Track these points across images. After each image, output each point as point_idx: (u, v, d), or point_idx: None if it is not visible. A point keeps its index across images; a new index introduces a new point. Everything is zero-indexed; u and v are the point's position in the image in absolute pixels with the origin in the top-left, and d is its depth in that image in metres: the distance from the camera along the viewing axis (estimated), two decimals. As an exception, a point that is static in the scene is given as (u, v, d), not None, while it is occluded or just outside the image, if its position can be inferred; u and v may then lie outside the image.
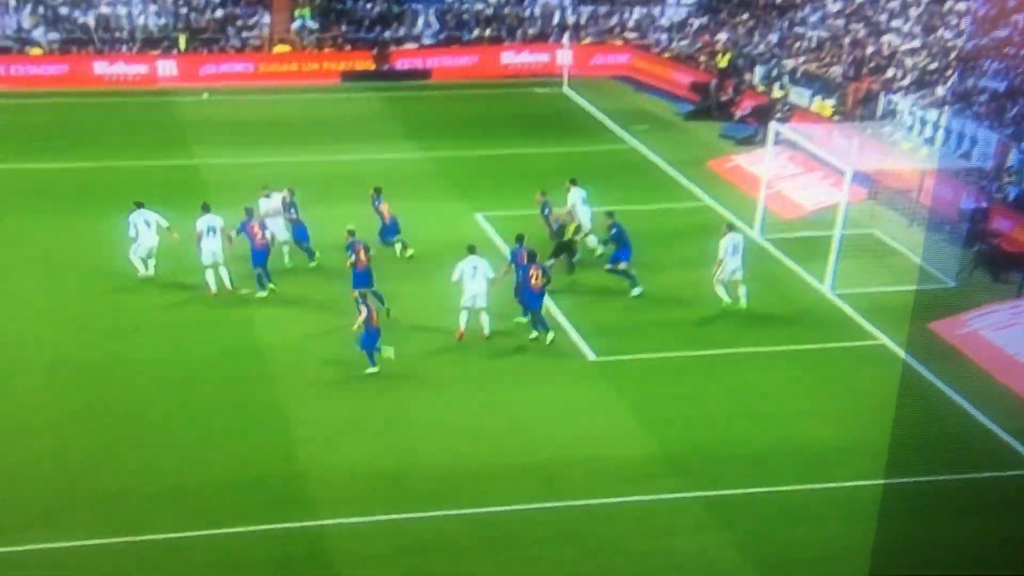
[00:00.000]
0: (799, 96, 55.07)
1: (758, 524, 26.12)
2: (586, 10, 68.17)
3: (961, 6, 54.17)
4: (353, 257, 34.43)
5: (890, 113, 49.81)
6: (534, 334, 33.85)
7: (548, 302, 35.31)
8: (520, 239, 34.96)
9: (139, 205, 36.64)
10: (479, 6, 67.68)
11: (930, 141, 46.93)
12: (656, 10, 68.16)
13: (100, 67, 61.24)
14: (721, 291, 35.68)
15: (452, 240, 37.51)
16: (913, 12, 55.96)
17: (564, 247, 37.81)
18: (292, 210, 37.75)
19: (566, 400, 30.99)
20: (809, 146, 42.55)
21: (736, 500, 26.90)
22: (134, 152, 49.62)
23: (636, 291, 36.90)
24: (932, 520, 26.22)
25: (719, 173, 48.36)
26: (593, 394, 31.38)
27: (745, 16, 64.08)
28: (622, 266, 37.13)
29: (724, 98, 57.83)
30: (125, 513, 25.99)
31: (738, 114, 56.36)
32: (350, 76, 63.29)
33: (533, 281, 33.55)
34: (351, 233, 35.21)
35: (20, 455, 28.13)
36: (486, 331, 33.58)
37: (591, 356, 33.25)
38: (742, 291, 35.81)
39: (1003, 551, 25.42)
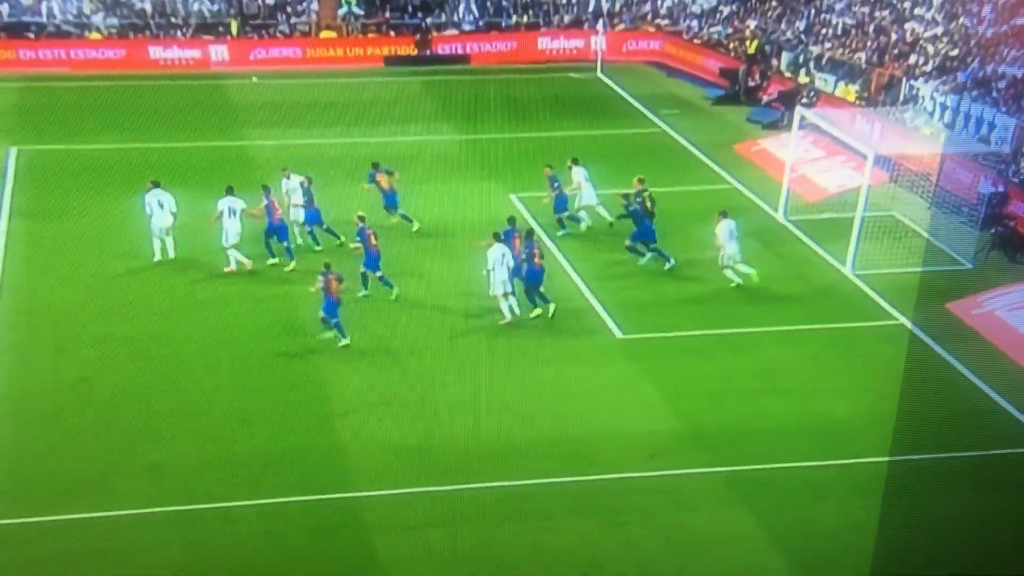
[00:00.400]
0: (824, 82, 54.67)
1: (778, 499, 25.84)
2: (619, -3, 67.74)
3: (982, -6, 53.54)
4: (363, 243, 34.37)
5: (912, 98, 49.35)
6: (536, 312, 33.49)
7: (577, 280, 35.20)
8: (512, 220, 34.62)
9: (155, 184, 36.33)
10: (517, -7, 67.31)
11: (950, 126, 46.43)
12: (687, -3, 67.70)
13: (155, 51, 61.13)
14: (731, 274, 35.37)
15: (486, 220, 37.17)
16: (936, 0, 55.31)
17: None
18: (306, 196, 37.38)
19: (593, 377, 30.70)
20: (833, 130, 42.19)
21: (757, 475, 26.59)
22: (186, 133, 49.46)
23: (668, 264, 36.69)
24: (945, 496, 25.92)
25: (746, 156, 47.94)
26: (619, 371, 31.07)
27: (773, 3, 63.50)
28: (639, 246, 36.99)
29: (752, 83, 57.34)
30: (170, 483, 25.88)
31: (765, 99, 55.94)
32: (393, 61, 62.98)
33: (536, 260, 33.23)
34: (361, 219, 34.96)
35: (70, 426, 28.06)
36: (509, 316, 33.20)
37: (618, 334, 32.93)
38: (746, 268, 35.45)
39: (1017, 527, 25.02)
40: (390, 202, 38.69)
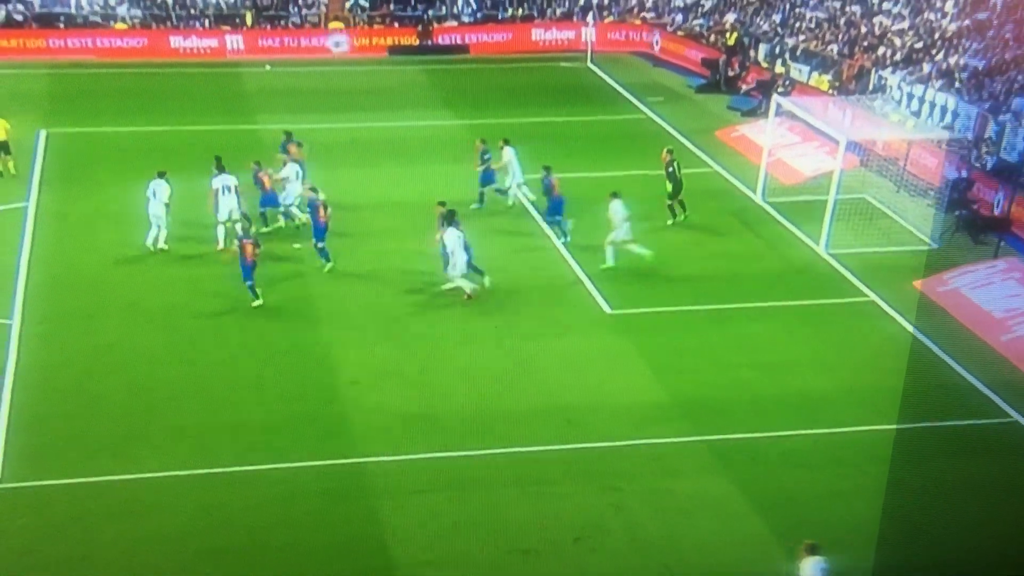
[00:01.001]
0: (799, 72, 54.17)
1: (757, 466, 25.45)
2: (609, -9, 67.22)
3: (946, -9, 53.12)
4: (312, 215, 34.08)
5: (880, 88, 48.97)
6: (482, 282, 33.01)
7: (568, 258, 35.14)
8: (443, 204, 33.88)
9: (160, 175, 35.28)
10: (512, -13, 66.79)
11: (916, 114, 46.03)
12: (671, -8, 67.19)
13: (176, 41, 60.61)
14: (621, 249, 34.60)
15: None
16: (902, -4, 54.97)
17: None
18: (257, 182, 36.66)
19: (584, 350, 30.24)
20: (807, 117, 41.76)
21: (738, 443, 26.21)
22: (203, 117, 49.02)
23: (564, 240, 36.58)
24: (916, 464, 25.48)
25: (726, 142, 47.43)
26: (609, 344, 30.60)
27: (751, -1, 63.12)
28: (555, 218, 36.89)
29: (731, 73, 56.86)
30: (189, 447, 25.50)
31: (744, 88, 55.52)
32: (396, 50, 62.29)
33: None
34: (312, 190, 34.64)
35: (95, 391, 27.72)
36: (468, 289, 32.52)
37: (607, 309, 32.45)
38: (639, 249, 34.78)
39: (980, 493, 24.73)
40: (268, 201, 36.89)
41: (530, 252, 35.99)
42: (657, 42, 63.49)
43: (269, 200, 36.54)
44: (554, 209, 36.94)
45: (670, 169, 38.42)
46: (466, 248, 32.28)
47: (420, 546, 22.45)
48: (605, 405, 27.55)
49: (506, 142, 39.56)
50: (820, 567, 20.14)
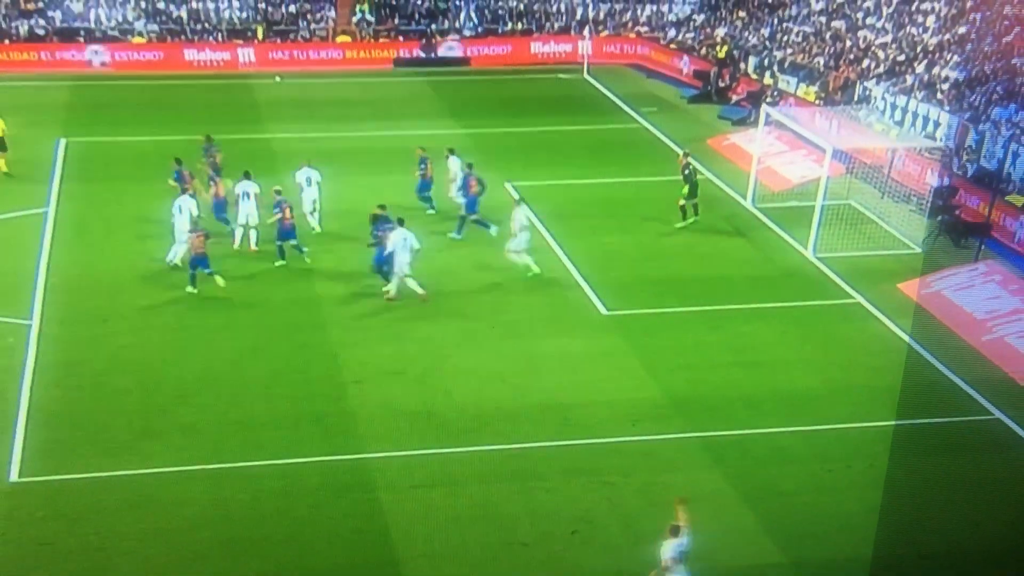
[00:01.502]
0: (787, 83, 53.99)
1: (747, 461, 25.19)
2: (604, 6, 67.00)
3: (927, 5, 52.98)
4: (280, 214, 33.91)
5: (865, 98, 48.81)
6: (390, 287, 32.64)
7: (566, 261, 35.08)
8: (382, 207, 33.63)
9: (185, 191, 34.97)
10: (512, 3, 66.62)
11: (900, 123, 45.85)
12: (664, 7, 66.99)
13: (190, 54, 60.54)
14: (515, 259, 33.93)
15: (483, 205, 36.70)
16: (885, 10, 54.77)
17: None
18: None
19: (581, 349, 29.96)
20: (795, 127, 41.59)
21: (729, 440, 25.93)
22: (217, 127, 48.15)
23: (492, 231, 36.34)
24: (899, 460, 25.22)
25: (717, 150, 47.14)
26: (605, 344, 30.32)
27: (741, 13, 62.97)
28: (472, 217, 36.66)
29: (722, 84, 56.68)
30: (199, 444, 25.29)
31: (734, 98, 55.31)
32: (401, 62, 62.18)
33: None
34: (278, 192, 34.53)
35: (111, 388, 27.51)
36: (421, 291, 32.06)
37: (603, 311, 32.21)
38: (529, 260, 34.00)
39: (965, 487, 24.54)
40: (219, 208, 36.43)
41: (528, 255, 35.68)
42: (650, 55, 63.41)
43: (218, 208, 36.20)
44: (470, 207, 36.71)
45: (686, 171, 38.23)
46: (412, 251, 31.85)
47: (419, 539, 22.22)
48: (601, 403, 27.28)
49: (451, 152, 39.10)
50: (679, 548, 19.88)
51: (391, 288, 32.15)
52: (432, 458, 24.89)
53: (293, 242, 34.29)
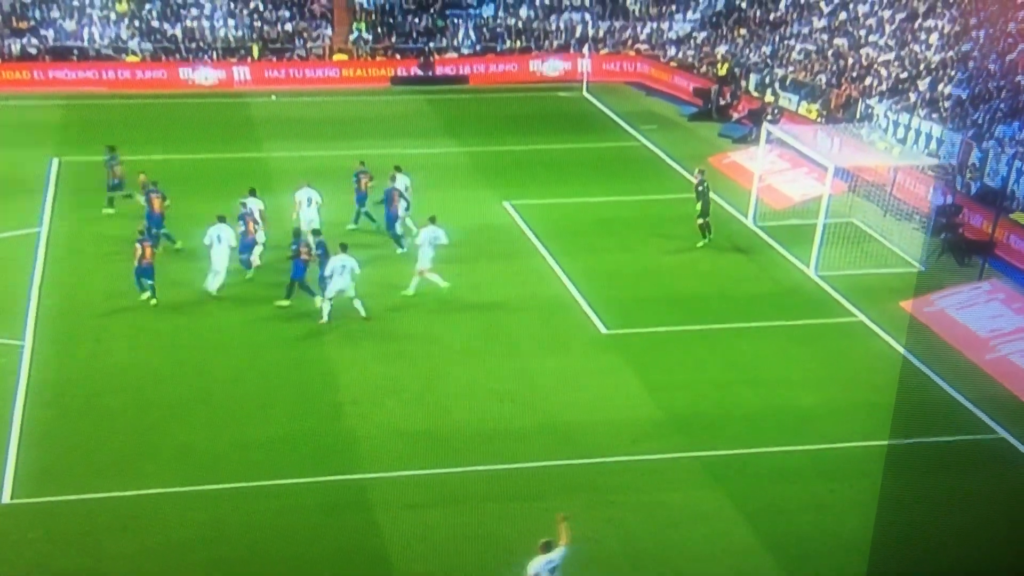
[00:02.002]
0: (788, 101, 54.24)
1: (748, 480, 25.27)
2: (604, 25, 67.26)
3: (930, 23, 53.18)
4: (243, 227, 34.33)
5: (867, 116, 49.01)
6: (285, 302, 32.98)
7: (565, 280, 35.23)
8: (317, 232, 34.42)
9: (221, 219, 34.51)
10: (511, 20, 66.92)
11: (902, 141, 46.03)
12: (665, 25, 67.22)
13: (185, 72, 60.81)
14: (429, 278, 33.91)
15: (482, 224, 36.94)
16: (888, 28, 54.96)
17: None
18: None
19: (581, 368, 30.10)
20: (797, 144, 41.58)
21: (730, 459, 26.04)
22: (212, 145, 49.13)
23: (400, 250, 36.88)
24: (902, 478, 25.31)
25: (718, 168, 47.21)
26: (605, 363, 30.46)
27: (742, 31, 63.18)
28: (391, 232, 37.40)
29: (723, 102, 56.83)
30: (194, 464, 25.34)
31: (735, 116, 55.49)
32: (398, 81, 62.44)
33: (304, 256, 32.89)
34: (243, 206, 35.04)
35: (104, 409, 27.60)
36: (363, 313, 32.14)
37: (603, 329, 32.32)
38: (428, 279, 33.95)
39: (969, 507, 24.59)
40: (155, 220, 36.55)
41: (527, 274, 35.92)
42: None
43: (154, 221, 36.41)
44: (389, 222, 37.26)
45: (700, 188, 38.38)
46: (352, 277, 31.83)
47: (416, 559, 22.29)
48: (601, 422, 27.38)
49: (397, 169, 38.72)
50: (549, 565, 19.94)
51: (324, 308, 32.12)
52: (430, 478, 24.95)
53: (243, 256, 34.57)
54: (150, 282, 32.83)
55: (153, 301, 32.74)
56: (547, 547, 19.88)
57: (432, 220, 34.24)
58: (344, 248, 32.25)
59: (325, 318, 32.01)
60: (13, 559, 22.09)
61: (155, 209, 36.39)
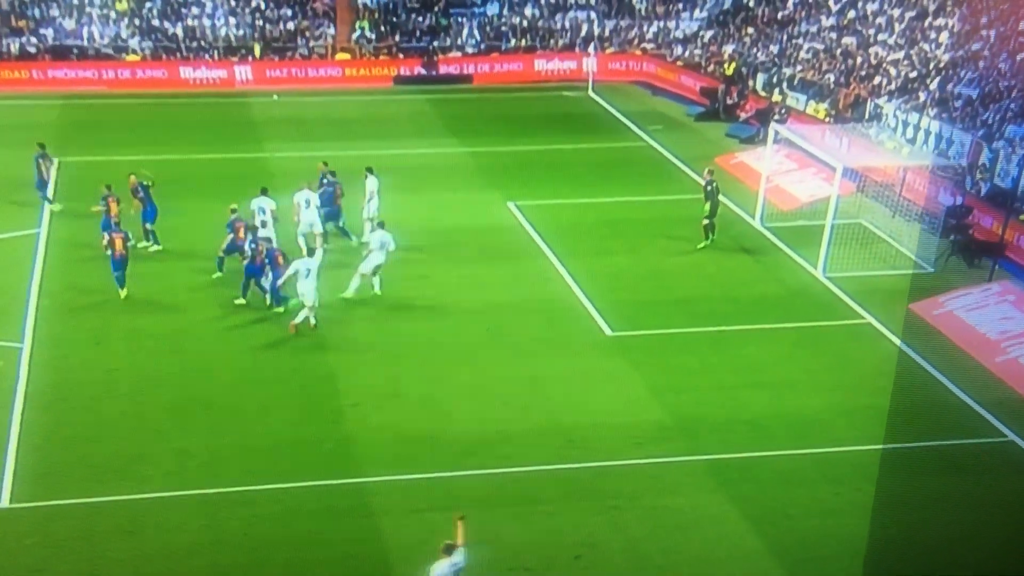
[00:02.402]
0: (796, 100, 54.24)
1: (754, 484, 25.27)
2: (609, 23, 67.24)
3: (940, 22, 53.18)
4: (232, 234, 34.33)
5: (876, 116, 48.99)
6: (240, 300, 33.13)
7: (570, 282, 35.20)
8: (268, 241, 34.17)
9: (263, 191, 35.82)
10: (516, 19, 66.90)
11: (912, 141, 46.03)
12: (671, 24, 67.18)
13: (186, 72, 60.78)
14: (356, 282, 33.74)
15: (486, 225, 36.95)
16: (897, 27, 54.95)
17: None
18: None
19: (585, 371, 30.11)
20: (805, 145, 41.57)
21: (736, 463, 26.05)
22: (213, 146, 49.12)
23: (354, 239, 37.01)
24: (911, 482, 25.47)
25: (725, 168, 47.13)
26: (609, 365, 30.46)
27: (749, 30, 63.14)
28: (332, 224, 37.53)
29: (730, 102, 56.77)
30: (194, 468, 25.40)
31: (742, 116, 55.42)
32: (401, 80, 62.42)
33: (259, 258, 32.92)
34: (233, 211, 34.64)
35: (103, 413, 27.60)
36: (312, 321, 31.81)
37: (608, 331, 32.34)
38: (375, 281, 33.89)
39: (977, 511, 24.66)
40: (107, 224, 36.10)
41: (532, 275, 35.89)
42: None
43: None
44: (331, 216, 37.28)
45: (708, 189, 38.40)
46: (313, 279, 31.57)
47: (419, 564, 21.92)
48: (605, 425, 27.41)
49: (369, 171, 38.36)
50: (453, 568, 20.00)
51: (302, 315, 31.94)
52: (432, 482, 25.02)
53: (223, 255, 34.56)
54: (118, 273, 33.34)
55: (123, 292, 33.31)
56: (449, 550, 20.00)
57: (381, 225, 34.39)
58: (312, 252, 32.44)
59: (301, 319, 31.83)
60: (11, 564, 22.13)
61: (113, 214, 36.16)
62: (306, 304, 31.63)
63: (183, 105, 56.49)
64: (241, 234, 34.12)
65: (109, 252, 33.20)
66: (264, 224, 35.05)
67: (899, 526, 23.77)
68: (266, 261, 32.79)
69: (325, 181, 37.61)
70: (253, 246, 32.91)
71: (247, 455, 25.93)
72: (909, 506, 24.49)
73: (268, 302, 32.95)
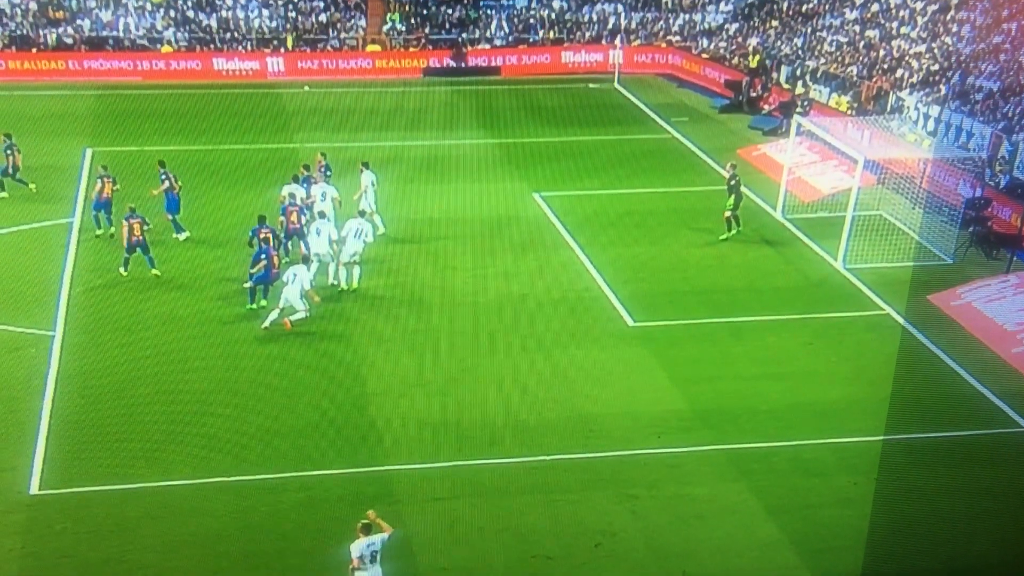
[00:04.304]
0: (819, 93, 53.86)
1: (773, 474, 25.09)
2: (636, 16, 66.99)
3: (962, 15, 52.69)
4: (283, 218, 34.19)
5: (898, 108, 48.61)
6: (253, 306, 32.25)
7: (594, 273, 35.01)
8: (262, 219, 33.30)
9: (361, 213, 34.75)
10: (544, 12, 66.68)
11: (933, 133, 45.67)
12: (697, 16, 66.87)
13: (219, 63, 60.82)
14: (341, 274, 33.44)
15: (512, 216, 36.79)
16: (920, 20, 54.52)
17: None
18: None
19: (607, 361, 29.92)
20: (827, 137, 41.25)
21: (755, 452, 25.84)
22: (245, 136, 49.10)
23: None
24: (927, 471, 25.34)
25: (748, 160, 46.84)
26: (631, 355, 30.27)
27: (774, 23, 62.76)
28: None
29: (754, 94, 56.52)
30: (221, 454, 25.37)
31: (766, 108, 55.15)
32: (431, 72, 62.38)
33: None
34: (260, 220, 33.08)
35: (132, 399, 27.58)
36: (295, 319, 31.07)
37: (630, 322, 32.14)
38: (355, 272, 33.37)
39: (991, 499, 24.44)
40: (101, 205, 36.81)
41: (556, 266, 35.70)
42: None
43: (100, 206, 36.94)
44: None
45: (732, 182, 38.18)
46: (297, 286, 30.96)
47: (441, 551, 22.22)
48: (626, 414, 27.25)
49: (365, 165, 37.90)
50: (370, 548, 19.87)
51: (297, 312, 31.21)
52: (455, 470, 24.92)
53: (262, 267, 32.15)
54: (130, 256, 33.66)
55: (123, 272, 33.73)
56: (367, 530, 20.07)
57: (361, 214, 34.22)
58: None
59: (301, 315, 31.14)
60: (41, 550, 22.13)
61: (105, 194, 36.60)
62: (281, 306, 30.87)
63: (216, 96, 56.50)
64: (294, 218, 33.88)
65: (127, 234, 33.45)
66: (323, 214, 34.34)
67: (914, 516, 23.61)
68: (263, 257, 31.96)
69: (328, 173, 37.52)
70: (266, 255, 31.92)
71: (273, 441, 25.87)
72: (926, 497, 24.26)
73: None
